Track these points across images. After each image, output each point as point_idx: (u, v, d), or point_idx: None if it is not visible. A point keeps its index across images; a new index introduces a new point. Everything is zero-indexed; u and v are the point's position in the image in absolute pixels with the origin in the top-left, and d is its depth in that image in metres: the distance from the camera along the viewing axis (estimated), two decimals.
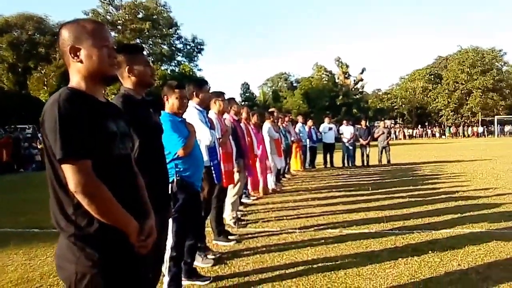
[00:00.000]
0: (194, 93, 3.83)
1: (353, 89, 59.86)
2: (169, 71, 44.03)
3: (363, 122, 15.36)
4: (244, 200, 7.50)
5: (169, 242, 3.14)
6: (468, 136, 51.52)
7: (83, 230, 1.48)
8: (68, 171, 1.42)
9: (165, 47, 48.09)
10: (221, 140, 4.62)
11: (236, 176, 5.40)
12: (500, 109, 53.68)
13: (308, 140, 13.78)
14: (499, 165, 12.97)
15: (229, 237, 4.91)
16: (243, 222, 5.80)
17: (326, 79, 60.70)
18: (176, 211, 3.11)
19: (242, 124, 6.93)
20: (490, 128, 52.45)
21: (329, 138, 14.49)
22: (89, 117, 1.47)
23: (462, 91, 56.00)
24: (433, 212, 6.06)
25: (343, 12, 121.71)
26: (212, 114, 4.72)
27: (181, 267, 3.34)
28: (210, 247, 4.46)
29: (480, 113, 53.93)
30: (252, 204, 7.42)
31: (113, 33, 43.36)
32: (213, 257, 4.17)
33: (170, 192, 3.05)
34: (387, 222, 5.48)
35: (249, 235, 5.12)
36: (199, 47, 49.50)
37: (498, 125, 50.75)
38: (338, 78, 61.05)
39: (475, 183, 8.97)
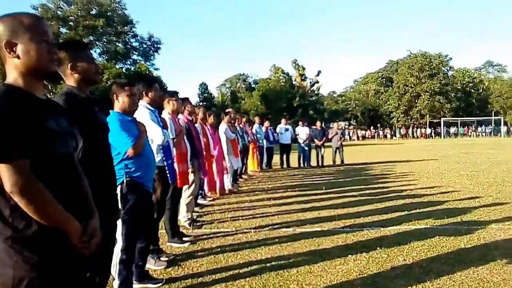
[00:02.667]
0: (144, 92, 3.76)
1: (309, 91, 61.02)
2: (124, 70, 42.80)
3: (318, 124, 15.71)
4: (200, 201, 7.44)
5: (119, 244, 3.07)
6: (417, 137, 54.08)
7: (20, 232, 1.41)
8: (4, 172, 1.36)
9: (120, 45, 46.78)
10: (175, 140, 4.57)
11: (191, 176, 5.36)
12: (446, 111, 56.76)
13: (265, 141, 13.90)
14: (444, 165, 13.73)
15: (184, 238, 4.85)
16: (198, 223, 5.75)
17: (284, 81, 61.50)
18: (126, 212, 3.04)
19: (198, 125, 6.89)
20: (437, 129, 55.34)
21: (286, 139, 14.71)
22: (26, 115, 1.40)
23: (412, 94, 58.71)
24: (382, 210, 6.31)
25: (300, 15, 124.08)
26: (166, 114, 4.65)
27: (132, 270, 3.26)
28: (163, 249, 4.38)
29: (428, 115, 56.78)
30: (208, 205, 7.37)
31: (64, 30, 41.65)
32: (166, 259, 4.10)
33: (119, 193, 2.99)
34: (338, 220, 5.64)
35: (204, 236, 5.09)
36: (155, 46, 48.62)
37: (444, 127, 53.68)
38: (295, 80, 62.02)
39: (422, 182, 9.44)
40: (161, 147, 3.93)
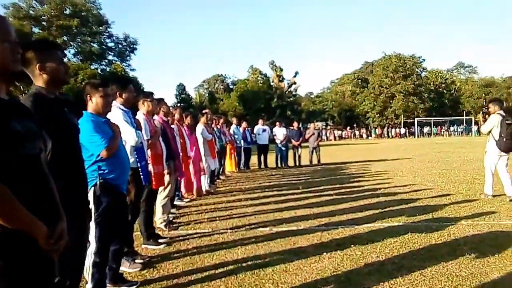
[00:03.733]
0: (118, 93, 3.72)
1: (287, 92, 61.42)
2: (99, 71, 42.03)
3: (295, 124, 15.84)
4: (176, 202, 7.40)
5: (92, 247, 3.03)
6: (392, 137, 55.23)
7: None
8: None
9: (95, 45, 45.86)
10: (150, 141, 4.54)
11: (167, 178, 5.32)
12: (420, 111, 58.16)
13: (242, 141, 13.93)
14: (417, 164, 14.09)
15: (159, 240, 4.81)
16: (174, 225, 5.72)
17: (262, 82, 61.69)
18: (99, 215, 3.00)
19: (174, 126, 6.85)
20: (411, 129, 56.64)
21: (263, 139, 14.77)
22: None
23: (386, 95, 59.92)
24: (357, 208, 6.43)
25: (277, 16, 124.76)
26: (140, 115, 4.61)
27: (106, 273, 3.22)
28: (138, 251, 4.34)
29: (402, 115, 58.04)
30: (185, 206, 7.33)
31: (36, 30, 40.49)
32: (141, 261, 4.06)
33: (92, 195, 2.96)
34: (314, 219, 5.71)
35: (180, 238, 5.07)
36: (131, 46, 47.88)
37: (418, 127, 55.00)
38: (272, 81, 62.29)
39: (396, 181, 9.65)
40: (134, 148, 3.89)
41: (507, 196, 6.77)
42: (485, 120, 7.37)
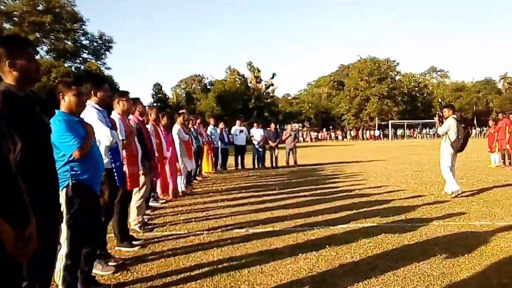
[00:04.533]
0: (92, 92, 3.64)
1: (264, 93, 61.60)
2: (73, 69, 41.02)
3: (272, 125, 15.89)
4: (152, 203, 7.30)
5: (63, 250, 2.95)
6: (367, 139, 56.21)
7: None
8: None
9: (69, 42, 44.73)
10: (125, 141, 4.46)
11: (142, 179, 5.24)
12: (394, 114, 59.48)
13: (219, 142, 13.88)
14: (391, 165, 14.38)
15: (134, 242, 4.73)
16: (149, 226, 5.64)
17: (239, 82, 61.66)
18: (71, 217, 2.93)
19: (150, 126, 6.76)
20: (385, 131, 57.82)
21: (240, 140, 14.77)
22: None
23: (362, 97, 61.01)
24: (332, 209, 6.50)
25: (255, 17, 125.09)
26: (115, 115, 4.53)
27: (77, 277, 3.14)
28: (112, 253, 4.26)
29: (377, 117, 59.22)
30: (160, 208, 7.24)
31: (7, 25, 39.17)
32: (114, 264, 3.98)
33: (64, 196, 2.88)
34: (290, 220, 5.74)
35: (155, 239, 5.00)
36: (107, 44, 46.97)
37: (392, 129, 56.21)
38: (250, 82, 62.37)
39: (370, 182, 9.82)
40: (108, 148, 3.82)
41: (453, 191, 7.37)
42: (441, 123, 7.84)
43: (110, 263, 3.93)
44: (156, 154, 6.52)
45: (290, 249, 4.38)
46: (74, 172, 2.98)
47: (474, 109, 67.81)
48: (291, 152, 15.37)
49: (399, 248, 4.35)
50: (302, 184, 9.68)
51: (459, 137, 7.41)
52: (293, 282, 3.46)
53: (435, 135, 55.82)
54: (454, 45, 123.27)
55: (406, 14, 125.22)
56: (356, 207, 6.56)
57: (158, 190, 7.77)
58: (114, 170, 3.90)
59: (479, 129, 56.62)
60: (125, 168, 4.47)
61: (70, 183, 2.94)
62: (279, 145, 15.25)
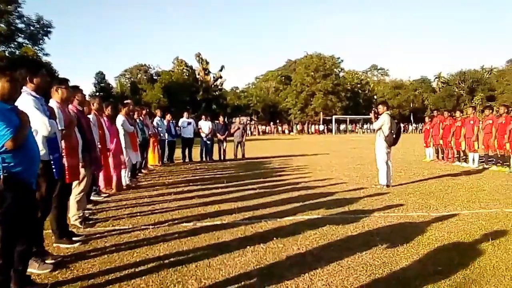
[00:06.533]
0: (28, 78, 3.37)
1: (212, 86, 61.12)
2: (7, 53, 38.03)
3: (220, 118, 15.80)
4: (93, 197, 6.98)
5: None
6: (312, 133, 57.72)
7: None
8: None
9: (2, 25, 41.23)
10: (64, 132, 4.19)
11: (82, 171, 4.98)
12: (337, 109, 61.50)
13: (166, 134, 13.56)
14: (335, 159, 14.88)
15: (73, 238, 4.49)
16: (90, 221, 5.38)
17: (187, 74, 60.63)
18: (3, 212, 2.72)
19: (92, 116, 6.45)
20: (329, 126, 59.70)
21: (188, 132, 14.54)
22: None
23: (308, 93, 62.46)
24: (279, 202, 6.59)
25: (204, 8, 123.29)
26: (54, 103, 4.24)
27: (11, 276, 2.91)
28: (49, 250, 4.01)
29: (321, 112, 60.94)
30: (103, 202, 6.93)
31: None
32: (52, 261, 3.75)
33: None
34: (238, 213, 5.74)
35: (98, 235, 4.78)
36: (45, 29, 43.79)
37: (336, 124, 58.15)
38: (198, 74, 61.55)
39: (315, 175, 10.08)
40: (46, 139, 3.56)
41: (379, 184, 7.96)
42: (376, 118, 8.30)
43: (47, 261, 3.69)
44: (99, 146, 6.24)
45: (238, 242, 4.38)
46: (6, 164, 2.75)
47: (411, 106, 72.03)
48: (239, 145, 15.39)
49: (343, 239, 4.50)
50: (250, 177, 9.73)
51: (392, 132, 7.92)
52: (240, 275, 3.46)
53: (375, 130, 58.67)
54: (393, 45, 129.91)
55: (350, 13, 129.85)
56: (302, 200, 6.70)
57: (101, 183, 7.45)
58: (52, 162, 3.66)
59: (415, 125, 60.26)
60: (64, 160, 4.22)
61: (2, 176, 2.72)
62: (227, 138, 15.22)
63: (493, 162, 11.14)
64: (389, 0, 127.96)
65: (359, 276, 3.41)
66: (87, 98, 6.52)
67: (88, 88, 55.99)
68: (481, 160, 11.68)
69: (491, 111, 11.86)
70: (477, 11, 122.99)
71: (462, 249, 4.11)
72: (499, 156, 10.88)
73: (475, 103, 62.09)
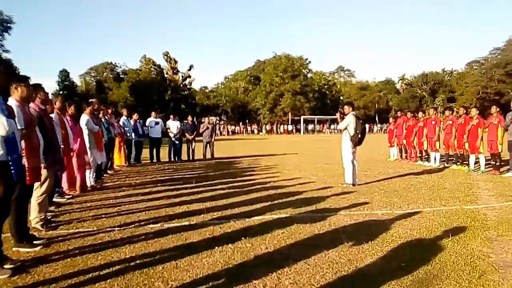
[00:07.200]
0: None
1: (181, 85, 60.45)
2: None
3: (189, 118, 15.65)
4: (56, 199, 6.75)
5: None
6: (281, 133, 58.21)
7: None
8: None
9: None
10: (24, 131, 4.03)
11: (44, 172, 4.80)
12: (306, 110, 62.28)
13: (133, 134, 13.29)
14: (303, 158, 15.07)
15: (34, 242, 4.32)
16: (53, 224, 5.20)
17: (155, 73, 59.68)
18: None
19: (55, 115, 6.24)
20: (297, 126, 60.36)
21: (156, 132, 14.32)
22: None
23: (276, 93, 62.94)
24: (248, 201, 6.61)
25: (172, 7, 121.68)
26: (13, 102, 4.07)
27: None
28: (8, 255, 3.84)
29: (290, 113, 61.53)
30: (66, 204, 6.71)
31: None
32: (11, 266, 3.59)
33: None
34: (207, 214, 5.71)
35: (60, 238, 4.62)
36: (5, 24, 41.87)
37: (304, 124, 58.88)
38: (166, 73, 60.73)
39: (284, 174, 10.17)
40: (4, 139, 3.41)
41: (345, 183, 8.15)
42: (342, 119, 8.48)
43: (5, 266, 3.54)
44: (62, 146, 6.04)
45: (206, 243, 4.35)
46: None
47: (376, 107, 74.07)
48: (208, 145, 15.30)
49: (310, 238, 4.57)
50: (219, 177, 9.69)
51: (357, 132, 8.11)
52: (208, 276, 3.44)
53: (341, 130, 59.82)
54: (359, 47, 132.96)
55: (318, 15, 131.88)
56: (270, 199, 6.74)
57: (64, 184, 7.22)
58: (11, 163, 3.51)
59: (380, 126, 61.97)
60: (24, 160, 4.06)
61: None
62: (196, 138, 15.10)
63: (453, 161, 11.61)
64: (356, 4, 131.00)
65: (325, 274, 3.47)
66: (50, 96, 6.30)
67: (51, 86, 54.16)
68: (442, 159, 12.14)
69: (451, 112, 12.33)
70: (439, 16, 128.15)
71: (424, 246, 4.26)
72: (458, 155, 11.36)
73: (437, 104, 64.66)
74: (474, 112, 10.85)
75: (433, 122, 12.15)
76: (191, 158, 14.62)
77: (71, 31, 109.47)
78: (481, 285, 3.24)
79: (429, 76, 75.74)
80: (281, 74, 62.65)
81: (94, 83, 60.04)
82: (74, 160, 7.32)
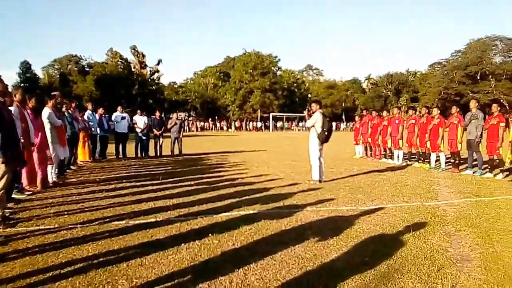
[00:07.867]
0: None
1: (149, 80, 59.34)
2: None
3: (157, 113, 15.40)
4: (16, 195, 6.49)
5: None
6: (250, 130, 58.38)
7: None
8: None
9: None
10: None
11: (2, 167, 4.60)
12: (275, 107, 62.69)
13: (98, 129, 12.94)
14: (271, 155, 15.17)
15: None
16: (11, 221, 4.99)
17: (122, 66, 58.27)
18: None
19: (15, 108, 6.00)
20: (267, 123, 60.69)
21: (122, 127, 14.00)
22: None
23: (246, 90, 62.91)
24: (216, 197, 6.59)
25: (140, 2, 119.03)
26: None
27: None
28: None
29: (259, 110, 61.71)
30: (26, 200, 6.46)
31: None
32: None
33: None
34: (173, 210, 5.65)
35: (19, 236, 4.45)
36: None
37: (273, 121, 59.27)
38: (134, 67, 59.44)
39: (252, 171, 10.21)
40: None
41: (312, 180, 8.28)
42: (310, 116, 8.63)
43: None
44: (22, 140, 5.80)
45: (172, 240, 4.31)
46: None
47: (343, 105, 75.56)
48: (176, 141, 15.13)
49: (277, 234, 4.61)
50: (186, 174, 9.60)
51: (324, 129, 8.25)
52: (174, 273, 3.41)
53: (308, 128, 60.66)
54: (327, 47, 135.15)
55: (287, 13, 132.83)
56: (238, 195, 6.75)
57: (24, 180, 6.95)
58: None
59: (347, 124, 63.27)
60: None
61: None
62: (164, 134, 14.89)
63: (415, 159, 12.03)
64: (325, 4, 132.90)
65: (291, 269, 3.52)
66: (10, 88, 6.03)
67: (11, 78, 51.81)
68: (404, 157, 12.55)
69: (414, 111, 12.74)
70: (405, 17, 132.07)
71: (387, 241, 4.40)
72: (420, 153, 11.78)
73: (401, 103, 66.80)
74: (435, 112, 11.25)
75: (397, 121, 12.53)
76: (158, 154, 14.40)
77: (34, 21, 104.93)
78: (439, 278, 3.39)
79: (394, 76, 78.04)
80: (251, 71, 62.68)
81: (58, 76, 57.91)
82: (35, 155, 7.05)
